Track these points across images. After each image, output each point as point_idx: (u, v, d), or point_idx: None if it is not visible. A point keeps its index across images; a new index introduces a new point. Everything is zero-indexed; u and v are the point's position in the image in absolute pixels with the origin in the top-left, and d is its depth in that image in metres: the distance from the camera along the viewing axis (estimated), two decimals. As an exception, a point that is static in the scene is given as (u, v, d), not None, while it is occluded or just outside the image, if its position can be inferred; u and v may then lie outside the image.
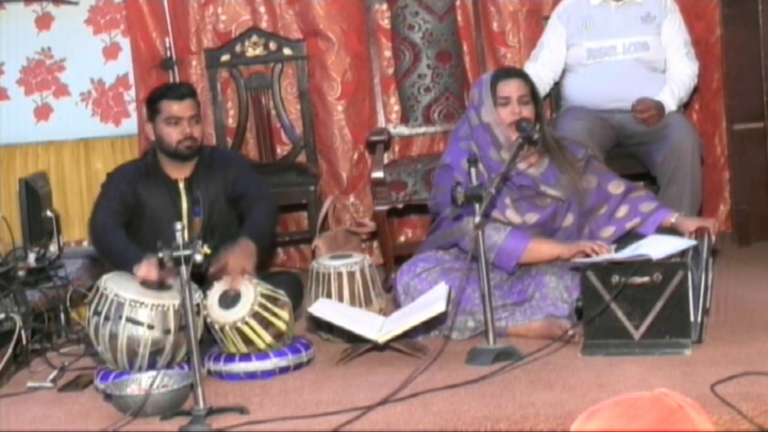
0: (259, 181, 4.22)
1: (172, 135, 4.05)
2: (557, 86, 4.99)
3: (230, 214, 4.14)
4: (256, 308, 3.65)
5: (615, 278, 3.52)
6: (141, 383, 3.43)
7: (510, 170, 3.84)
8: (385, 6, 5.33)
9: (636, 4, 4.81)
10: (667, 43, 4.81)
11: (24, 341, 3.88)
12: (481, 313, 3.66)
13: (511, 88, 3.95)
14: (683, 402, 1.73)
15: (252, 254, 3.80)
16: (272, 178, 4.84)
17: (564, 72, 4.91)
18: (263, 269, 4.13)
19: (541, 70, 4.81)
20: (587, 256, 3.75)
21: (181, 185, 4.10)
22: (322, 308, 3.88)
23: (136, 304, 3.57)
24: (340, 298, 3.98)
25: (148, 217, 4.05)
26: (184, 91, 4.14)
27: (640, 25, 4.79)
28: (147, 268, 3.66)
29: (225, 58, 5.33)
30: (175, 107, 4.06)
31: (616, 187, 4.07)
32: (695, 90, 4.98)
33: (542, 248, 3.89)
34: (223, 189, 4.12)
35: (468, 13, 5.34)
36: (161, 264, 3.28)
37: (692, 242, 3.74)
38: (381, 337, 3.69)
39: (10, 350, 3.82)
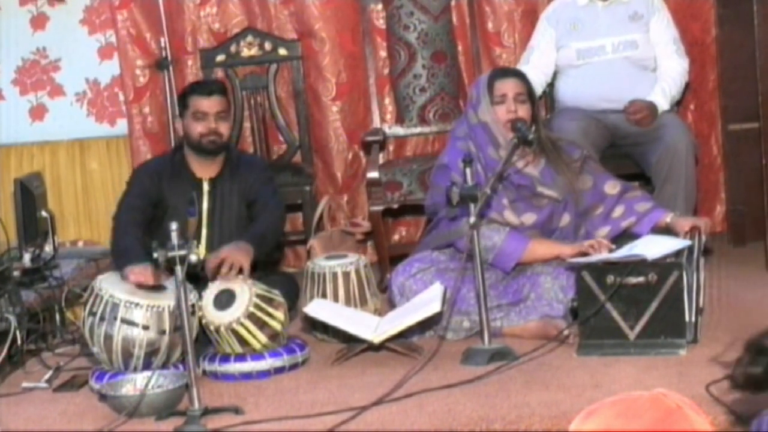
0: (276, 192, 4.27)
1: (197, 129, 4.13)
2: (551, 87, 4.99)
3: (245, 218, 4.20)
4: (251, 309, 3.65)
5: (610, 278, 3.52)
6: (136, 383, 3.43)
7: (506, 170, 3.84)
8: (380, 6, 5.32)
9: (623, 3, 4.81)
10: (656, 40, 4.81)
11: (19, 341, 3.87)
12: (476, 313, 3.66)
13: (507, 86, 3.97)
14: (682, 402, 1.73)
15: (249, 255, 3.80)
16: (267, 179, 4.84)
17: (556, 74, 4.91)
18: (264, 271, 4.14)
19: (533, 73, 4.77)
20: (586, 255, 3.76)
21: (206, 185, 4.14)
22: (318, 308, 3.88)
23: (131, 305, 3.57)
24: (336, 299, 3.98)
25: (169, 214, 4.06)
26: (212, 87, 4.26)
27: (628, 23, 4.79)
28: (141, 273, 3.66)
29: (220, 58, 5.31)
30: (203, 103, 4.15)
31: (612, 187, 4.07)
32: (687, 87, 4.98)
33: (541, 248, 3.89)
34: (243, 192, 4.19)
35: (463, 13, 5.33)
36: (155, 265, 3.29)
37: (687, 242, 3.75)
38: (376, 338, 3.69)
39: (5, 350, 3.81)
